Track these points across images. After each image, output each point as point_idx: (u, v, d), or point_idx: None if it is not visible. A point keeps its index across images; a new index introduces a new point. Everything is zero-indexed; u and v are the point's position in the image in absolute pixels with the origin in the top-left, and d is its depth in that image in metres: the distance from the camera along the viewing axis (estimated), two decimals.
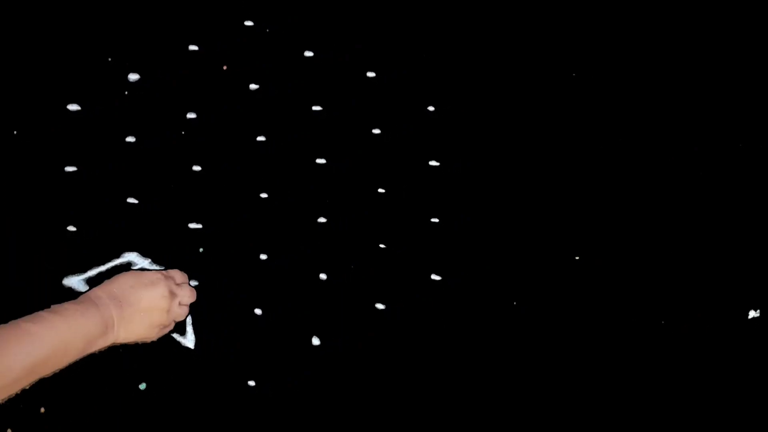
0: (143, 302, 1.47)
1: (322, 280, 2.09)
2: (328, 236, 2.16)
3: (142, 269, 2.04)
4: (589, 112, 2.48)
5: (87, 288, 1.99)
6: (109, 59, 2.40)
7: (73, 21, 2.49)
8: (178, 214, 2.16)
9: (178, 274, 1.55)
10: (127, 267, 2.04)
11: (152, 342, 1.94)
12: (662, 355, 2.04)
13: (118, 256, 2.06)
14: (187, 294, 1.55)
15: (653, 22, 2.66)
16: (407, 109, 2.43)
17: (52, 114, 2.30)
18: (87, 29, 2.48)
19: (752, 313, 2.10)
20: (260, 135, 2.33)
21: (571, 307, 2.10)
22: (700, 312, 2.11)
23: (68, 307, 1.40)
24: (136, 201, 2.17)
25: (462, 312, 2.07)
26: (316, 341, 1.99)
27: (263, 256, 2.11)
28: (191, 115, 2.35)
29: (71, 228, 2.10)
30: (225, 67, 2.43)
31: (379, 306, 2.06)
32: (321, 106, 2.41)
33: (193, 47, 2.48)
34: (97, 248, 2.06)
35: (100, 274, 2.02)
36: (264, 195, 2.22)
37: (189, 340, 1.96)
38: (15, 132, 2.25)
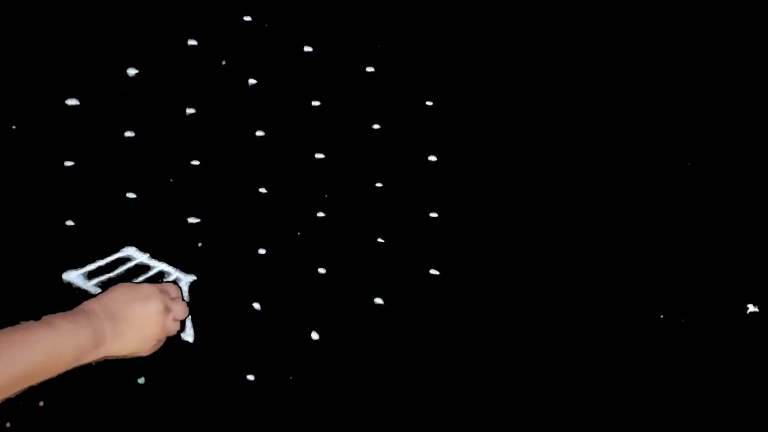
0: (137, 317, 1.46)
1: (320, 275, 2.09)
2: (327, 231, 2.17)
3: (141, 264, 2.04)
4: (590, 109, 2.48)
5: (86, 282, 1.99)
6: (108, 54, 2.40)
7: (72, 16, 2.49)
8: (176, 209, 2.16)
9: (172, 289, 1.55)
10: (125, 261, 2.04)
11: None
12: (661, 349, 2.04)
13: (116, 251, 2.06)
14: (180, 309, 1.54)
15: (653, 22, 2.66)
16: (406, 105, 2.43)
17: (50, 109, 2.30)
18: (86, 24, 2.48)
19: (751, 308, 2.10)
20: (259, 130, 2.33)
21: (569, 300, 2.10)
22: (700, 307, 2.11)
23: (60, 318, 1.40)
24: (134, 196, 2.17)
25: (460, 306, 2.07)
26: (315, 335, 1.99)
27: (262, 251, 2.11)
28: (190, 111, 2.35)
29: (70, 223, 2.10)
30: (224, 63, 2.44)
31: (378, 300, 2.06)
32: (320, 102, 2.41)
33: (192, 42, 2.48)
34: (95, 243, 2.06)
35: (99, 268, 2.02)
36: (263, 190, 2.22)
37: (188, 334, 1.96)
38: (14, 127, 2.25)
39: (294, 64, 2.48)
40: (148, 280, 2.01)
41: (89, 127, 2.28)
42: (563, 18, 2.66)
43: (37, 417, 1.82)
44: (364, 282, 2.09)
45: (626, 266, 2.17)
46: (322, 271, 2.09)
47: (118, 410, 1.85)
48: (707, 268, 2.18)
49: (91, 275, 2.01)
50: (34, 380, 1.37)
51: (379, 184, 2.26)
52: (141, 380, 1.88)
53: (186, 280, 2.04)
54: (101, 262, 2.03)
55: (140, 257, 2.06)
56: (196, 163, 2.25)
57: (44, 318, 1.40)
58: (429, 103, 2.43)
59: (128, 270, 2.03)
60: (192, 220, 2.15)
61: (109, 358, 1.44)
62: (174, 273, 2.04)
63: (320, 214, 2.19)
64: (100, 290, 1.98)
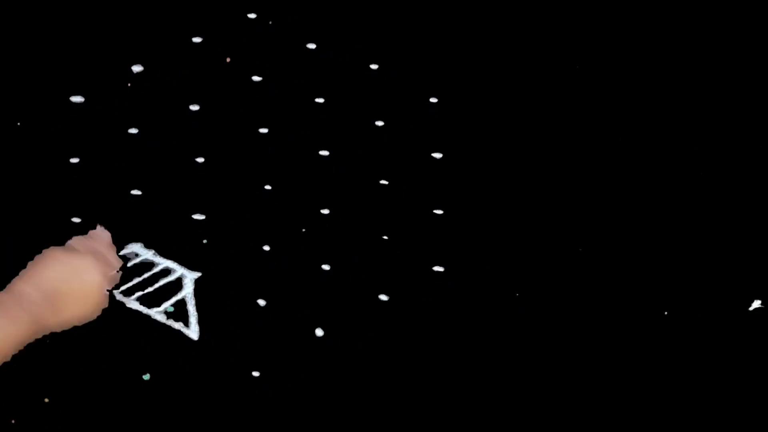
0: (76, 293, 1.37)
1: (325, 271, 2.09)
2: (331, 227, 2.17)
3: (146, 261, 2.04)
4: (592, 106, 2.48)
5: None
6: (112, 51, 2.40)
7: (76, 13, 2.49)
8: (181, 206, 2.16)
9: (102, 243, 1.44)
10: (130, 258, 2.04)
11: (156, 333, 1.94)
12: (666, 346, 2.04)
13: (122, 248, 2.06)
14: (115, 263, 1.44)
15: (653, 22, 2.66)
16: (410, 101, 2.43)
17: (55, 106, 2.30)
18: (90, 21, 2.48)
19: (755, 304, 2.10)
20: (263, 127, 2.33)
21: (573, 297, 2.10)
22: (703, 304, 2.11)
23: None
24: (139, 192, 2.17)
25: (464, 304, 2.08)
26: (319, 332, 1.99)
27: (266, 247, 2.11)
28: (194, 107, 2.35)
29: (75, 219, 2.10)
30: (228, 59, 2.44)
31: (383, 297, 2.06)
32: (324, 98, 2.41)
33: (196, 39, 2.48)
34: None
35: None
36: (267, 186, 2.22)
37: (192, 331, 1.96)
38: (18, 124, 2.25)
39: (298, 61, 2.48)
40: (153, 277, 2.01)
41: (94, 124, 2.28)
42: (565, 17, 2.65)
43: (42, 413, 1.83)
44: (369, 278, 2.09)
45: (629, 264, 2.17)
46: (326, 267, 2.10)
47: (124, 406, 1.85)
48: (711, 264, 2.18)
49: None
50: None
51: (383, 182, 2.27)
52: (146, 377, 1.89)
53: (191, 276, 2.04)
54: None
55: (145, 254, 2.06)
56: (200, 160, 2.25)
57: None
58: (433, 100, 2.44)
59: (133, 266, 2.03)
60: (197, 216, 2.15)
61: (60, 330, 1.35)
62: (179, 269, 2.05)
63: (324, 211, 2.19)
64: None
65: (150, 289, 1.99)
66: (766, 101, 2.51)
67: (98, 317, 1.48)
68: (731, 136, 2.43)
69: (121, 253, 2.06)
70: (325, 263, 2.10)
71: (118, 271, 1.45)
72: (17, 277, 1.35)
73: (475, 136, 2.38)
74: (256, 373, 1.92)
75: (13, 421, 1.82)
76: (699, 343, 2.05)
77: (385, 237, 2.17)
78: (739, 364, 2.03)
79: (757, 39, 2.64)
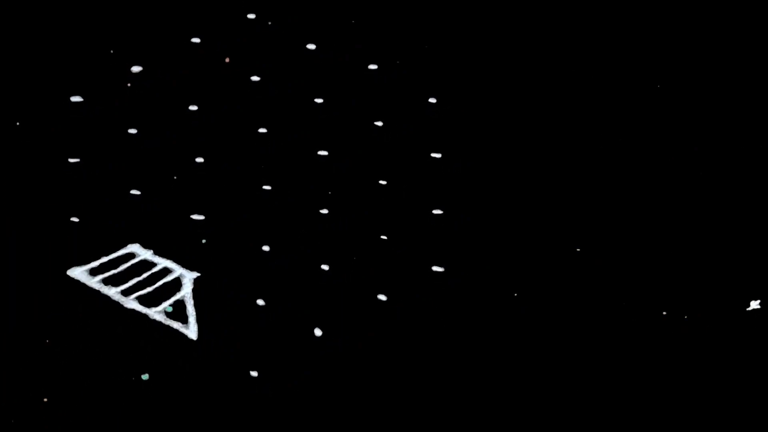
0: None
1: (324, 271, 2.09)
2: (330, 227, 2.17)
3: (145, 261, 2.04)
4: (592, 106, 2.48)
5: (90, 278, 1.99)
6: (112, 51, 2.41)
7: (76, 12, 2.49)
8: (180, 206, 2.16)
9: None
10: (129, 258, 2.05)
11: (155, 332, 1.94)
12: (664, 347, 2.04)
13: (121, 247, 2.06)
14: None
15: (653, 22, 2.66)
16: (409, 102, 2.43)
17: (54, 106, 2.30)
18: (90, 21, 2.48)
19: (753, 304, 2.10)
20: (262, 127, 2.33)
21: (571, 297, 2.10)
22: (702, 304, 2.11)
23: None
24: (138, 192, 2.17)
25: (463, 304, 2.08)
26: (318, 332, 1.99)
27: (266, 248, 2.12)
28: (193, 107, 2.35)
29: (74, 219, 2.10)
30: (228, 60, 2.44)
31: (382, 297, 2.06)
32: (323, 99, 2.41)
33: (195, 39, 2.48)
34: (100, 239, 2.07)
35: (102, 264, 2.02)
36: (267, 187, 2.22)
37: (191, 331, 1.96)
38: (17, 123, 2.25)
39: (297, 61, 2.49)
40: (153, 277, 2.02)
41: (93, 124, 2.28)
42: (566, 17, 2.65)
43: (40, 413, 1.83)
44: (368, 278, 2.09)
45: (628, 264, 2.17)
46: (325, 267, 2.10)
47: (123, 406, 1.85)
48: (708, 265, 2.18)
49: (94, 272, 2.01)
50: None
51: (382, 182, 2.27)
52: (145, 376, 1.89)
53: (190, 276, 2.04)
54: (105, 259, 2.04)
55: (144, 254, 2.06)
56: (200, 160, 2.25)
57: None
58: (432, 101, 2.44)
59: (132, 266, 2.03)
60: (196, 217, 2.15)
61: None
62: (178, 270, 2.05)
63: (324, 211, 2.19)
64: (103, 286, 1.99)
65: (149, 289, 2.00)
66: (766, 101, 2.51)
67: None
68: (731, 136, 2.43)
69: (121, 252, 2.06)
70: (324, 263, 2.10)
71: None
72: None
73: (475, 137, 2.38)
74: (254, 373, 1.92)
75: (12, 421, 1.82)
76: (698, 342, 2.05)
77: (384, 237, 2.17)
78: (738, 363, 2.03)
79: (757, 39, 2.64)
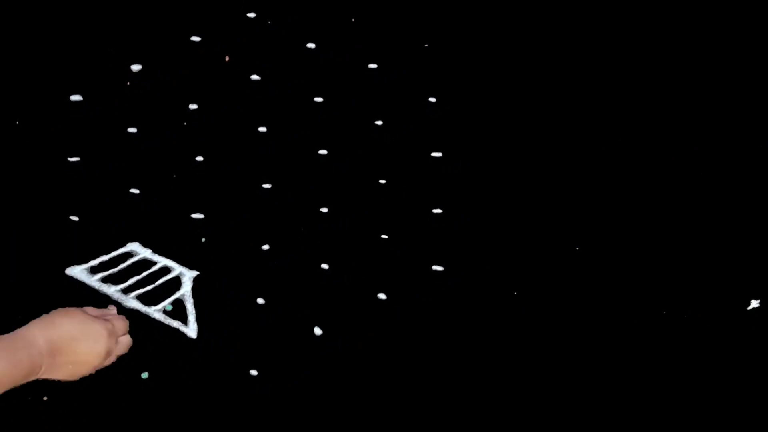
0: (79, 356, 1.43)
1: (323, 270, 2.09)
2: (330, 227, 2.17)
3: (145, 260, 2.04)
4: (591, 106, 2.48)
5: (90, 277, 1.99)
6: (111, 50, 2.41)
7: (76, 12, 2.49)
8: (180, 205, 2.16)
9: (121, 326, 1.51)
10: (129, 256, 2.04)
11: (154, 331, 1.95)
12: (664, 346, 2.04)
13: (120, 246, 2.06)
14: (122, 348, 1.53)
15: (653, 22, 2.66)
16: (409, 101, 2.43)
17: (54, 105, 2.30)
18: (90, 20, 2.48)
19: (753, 303, 2.10)
20: (262, 126, 2.33)
21: (570, 296, 2.10)
22: (701, 303, 2.11)
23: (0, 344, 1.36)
24: (138, 191, 2.17)
25: (463, 303, 2.08)
26: (318, 331, 1.99)
27: (265, 246, 2.11)
28: (193, 106, 2.35)
29: (74, 218, 2.10)
30: (227, 58, 2.44)
31: (381, 296, 2.06)
32: (322, 98, 2.41)
33: (195, 38, 2.48)
34: (99, 238, 2.07)
35: (102, 263, 2.02)
36: (266, 185, 2.22)
37: (191, 330, 1.96)
38: (17, 122, 2.25)
39: (296, 60, 2.49)
40: (152, 276, 2.02)
41: (93, 123, 2.28)
42: (566, 16, 2.66)
43: (40, 412, 1.83)
44: (367, 277, 2.09)
45: (628, 264, 2.17)
46: (325, 266, 2.10)
47: (122, 404, 1.85)
48: (708, 264, 2.18)
49: (94, 270, 2.01)
50: None
51: (382, 181, 2.27)
52: (145, 375, 1.89)
53: (189, 275, 2.04)
54: (105, 258, 2.04)
55: (144, 252, 2.06)
56: (199, 159, 2.25)
57: None
58: (432, 100, 2.44)
59: (131, 265, 2.03)
60: (195, 215, 2.15)
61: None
62: (177, 268, 2.05)
63: (323, 210, 2.19)
64: (103, 285, 1.98)
65: (148, 288, 2.00)
66: (766, 101, 2.51)
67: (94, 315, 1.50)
68: (731, 136, 2.43)
69: (120, 251, 2.06)
70: (323, 262, 2.10)
71: (118, 357, 1.52)
72: (35, 323, 1.39)
73: (474, 136, 2.39)
74: (254, 372, 1.92)
75: (12, 420, 1.82)
76: (698, 342, 2.05)
77: (384, 236, 2.17)
78: (738, 363, 2.03)
79: (757, 39, 2.64)
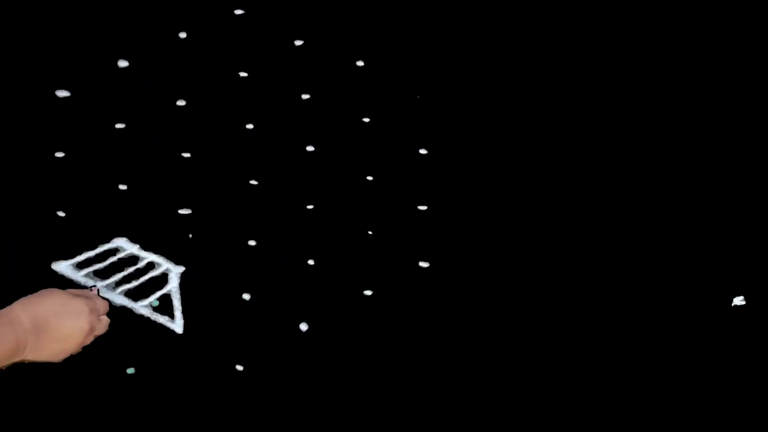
0: (62, 332, 1.46)
1: (310, 266, 2.10)
2: (317, 223, 2.17)
3: (131, 255, 2.04)
4: (587, 107, 2.49)
5: (76, 272, 1.99)
6: (98, 46, 2.41)
7: (62, 7, 2.49)
8: (167, 200, 2.17)
9: (101, 305, 1.54)
10: (115, 252, 2.05)
11: (140, 327, 1.95)
12: (662, 346, 2.04)
13: (107, 242, 2.06)
14: (102, 327, 1.55)
15: (653, 22, 2.67)
16: (396, 98, 2.44)
17: (41, 100, 2.30)
18: (76, 16, 2.48)
19: (737, 300, 2.11)
20: (249, 122, 2.34)
21: (570, 296, 2.11)
22: (702, 304, 2.11)
23: None
24: (125, 187, 2.17)
25: (450, 299, 2.08)
26: (303, 326, 2.00)
27: (252, 242, 2.12)
28: (181, 103, 2.35)
29: (60, 213, 2.10)
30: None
31: (367, 292, 2.07)
32: (309, 95, 2.42)
33: (182, 35, 2.48)
34: (86, 233, 2.07)
35: (88, 259, 2.02)
36: (253, 182, 2.23)
37: (177, 325, 1.97)
38: (3, 118, 2.25)
39: (284, 57, 2.49)
40: (139, 271, 2.02)
41: (80, 118, 2.28)
42: (562, 14, 2.66)
43: (25, 407, 1.83)
44: (353, 273, 2.09)
45: (626, 264, 2.17)
46: (311, 262, 2.10)
47: (108, 400, 1.85)
48: (709, 264, 2.19)
49: (80, 266, 2.01)
50: None
51: (369, 177, 2.27)
52: (131, 370, 1.89)
53: (176, 271, 2.04)
54: (91, 253, 2.04)
55: (130, 248, 2.06)
56: (186, 155, 2.26)
57: None
58: (418, 97, 2.44)
59: (118, 261, 2.03)
60: (182, 211, 2.16)
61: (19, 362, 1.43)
62: (164, 264, 2.05)
63: (309, 206, 2.20)
64: (89, 281, 1.99)
65: (135, 283, 2.00)
66: (766, 101, 2.52)
67: None
68: (731, 136, 2.44)
69: (107, 247, 2.06)
70: (310, 258, 2.11)
71: (99, 335, 1.54)
72: (17, 303, 1.42)
73: (461, 133, 2.39)
74: (240, 367, 1.92)
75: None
76: (697, 342, 2.06)
77: (371, 232, 2.17)
78: (738, 363, 2.03)
79: (757, 39, 2.65)
